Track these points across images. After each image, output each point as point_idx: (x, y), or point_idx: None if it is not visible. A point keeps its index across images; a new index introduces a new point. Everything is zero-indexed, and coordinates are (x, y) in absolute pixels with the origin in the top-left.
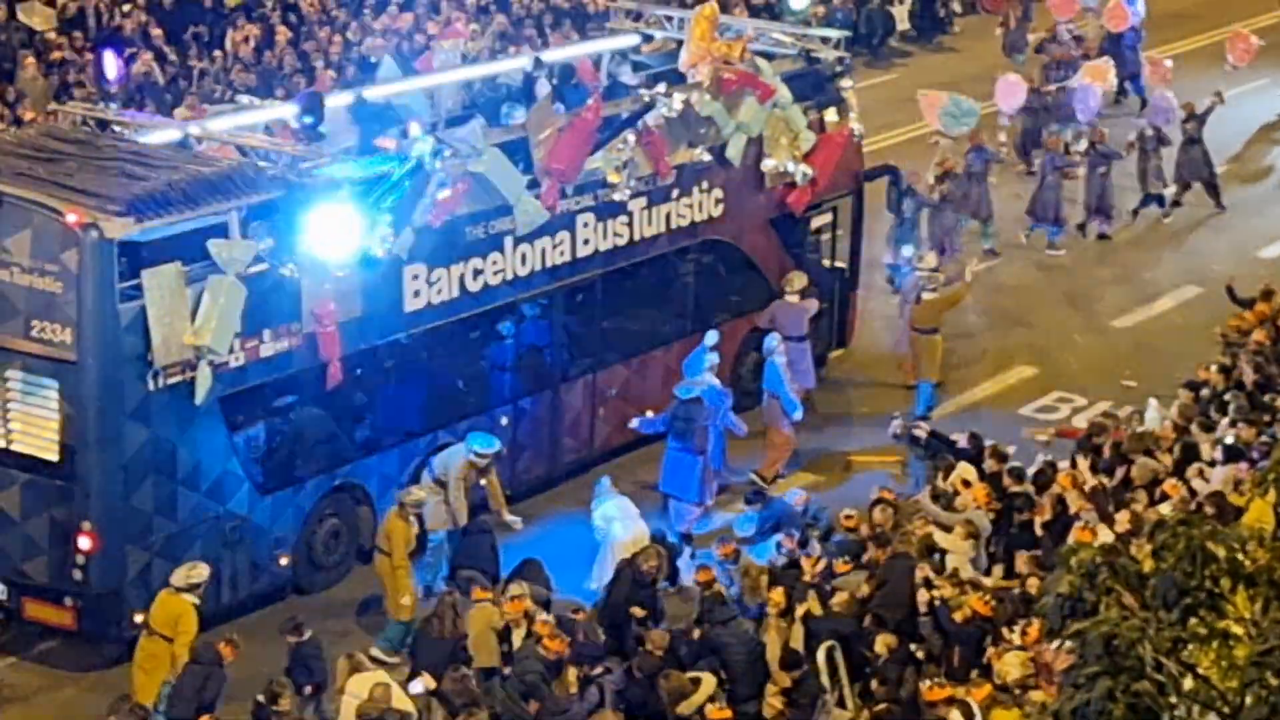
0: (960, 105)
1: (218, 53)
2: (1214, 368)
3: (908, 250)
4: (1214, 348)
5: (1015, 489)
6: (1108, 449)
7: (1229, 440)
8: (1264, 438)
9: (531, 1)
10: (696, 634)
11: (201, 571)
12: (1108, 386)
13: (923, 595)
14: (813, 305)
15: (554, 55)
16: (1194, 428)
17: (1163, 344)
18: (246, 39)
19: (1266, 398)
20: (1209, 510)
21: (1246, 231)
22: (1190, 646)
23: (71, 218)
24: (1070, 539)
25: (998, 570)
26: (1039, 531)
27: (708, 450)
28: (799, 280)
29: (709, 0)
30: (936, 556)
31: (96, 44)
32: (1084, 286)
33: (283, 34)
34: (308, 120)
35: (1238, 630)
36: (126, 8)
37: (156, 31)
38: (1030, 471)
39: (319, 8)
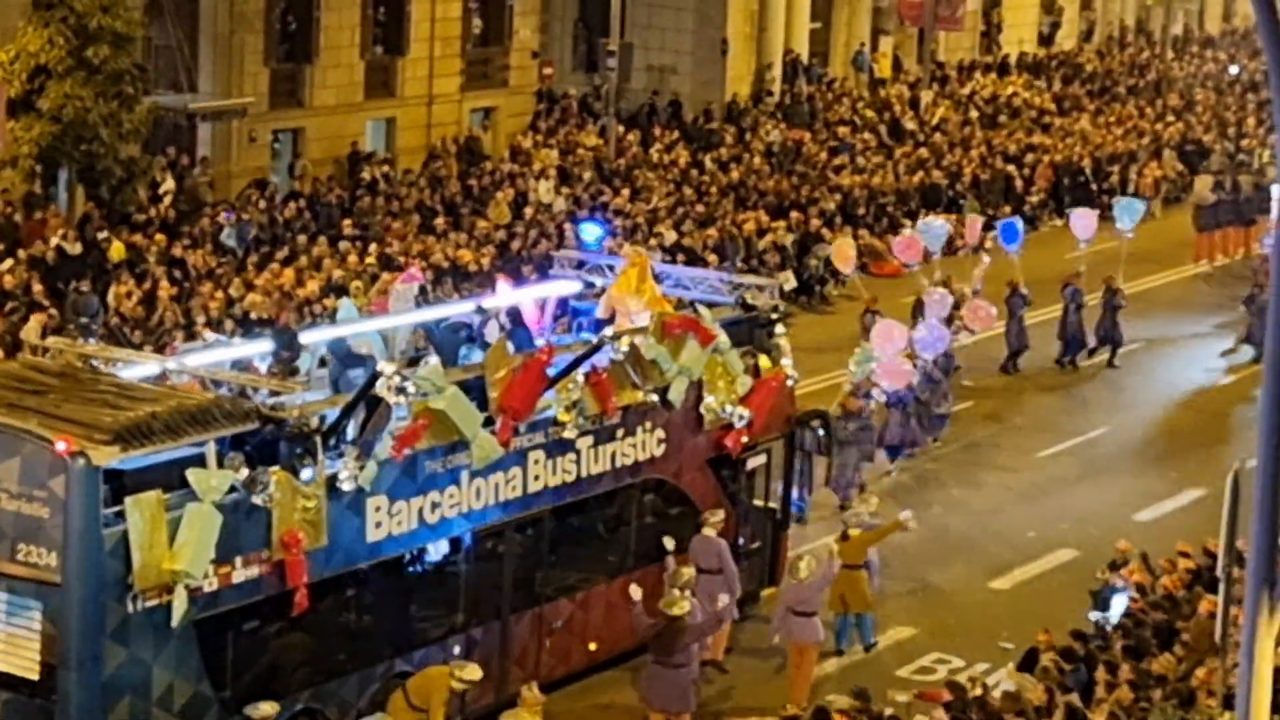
0: (865, 350)
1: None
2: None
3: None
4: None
5: None
6: (975, 712)
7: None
8: (1142, 704)
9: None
10: None
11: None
12: (985, 648)
13: None
14: (723, 543)
15: (498, 301)
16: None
17: (1039, 606)
18: (129, 294)
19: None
20: None
21: (1124, 492)
22: None
23: (61, 445)
24: None
25: None
26: None
27: (691, 664)
28: (715, 516)
29: (640, 250)
30: None
31: None
32: (961, 545)
33: (165, 290)
34: (285, 355)
35: None
36: (8, 263)
37: (38, 287)
38: None
39: (203, 264)
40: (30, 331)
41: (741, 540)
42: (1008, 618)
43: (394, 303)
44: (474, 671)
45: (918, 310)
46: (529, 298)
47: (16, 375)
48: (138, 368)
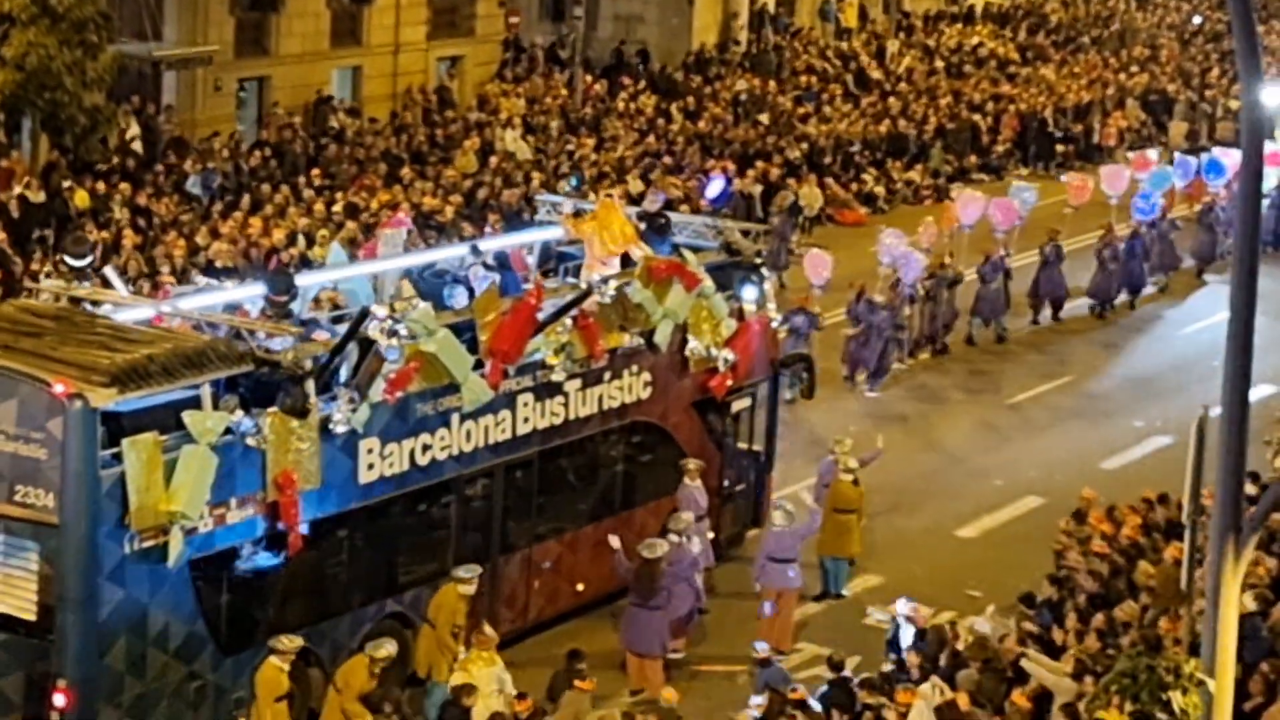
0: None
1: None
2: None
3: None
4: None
5: (868, 700)
6: (945, 657)
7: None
8: (1109, 650)
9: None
10: None
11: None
12: (953, 597)
13: None
14: (703, 492)
15: (488, 244)
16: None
17: (1006, 555)
18: (95, 244)
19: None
20: None
21: (1091, 442)
22: None
23: (59, 388)
24: None
25: None
26: None
27: (667, 606)
28: (694, 464)
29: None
30: None
31: None
32: (928, 494)
33: (130, 238)
34: (282, 299)
35: None
36: None
37: (1, 235)
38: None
39: (168, 213)
40: None
41: (726, 482)
42: (975, 566)
43: (383, 247)
44: (471, 571)
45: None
46: (516, 243)
47: (11, 318)
48: (130, 310)
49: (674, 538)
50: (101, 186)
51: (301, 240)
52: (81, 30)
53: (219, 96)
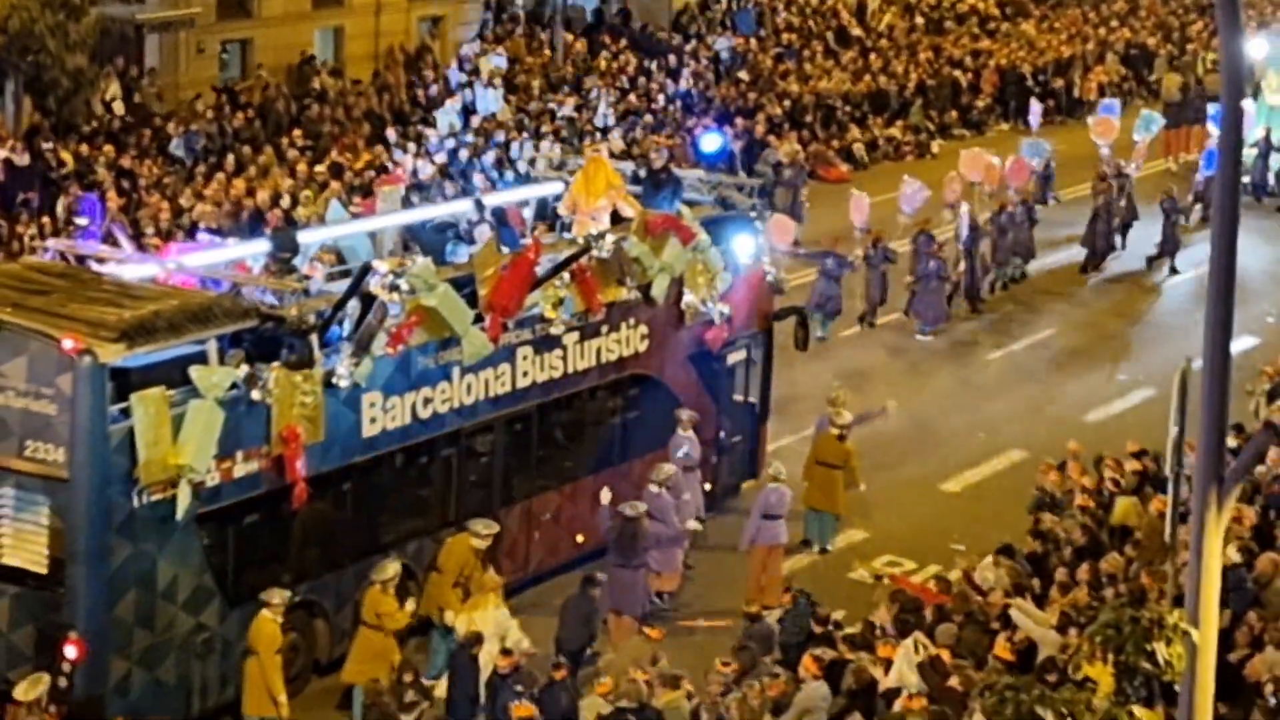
0: None
1: (46, 219)
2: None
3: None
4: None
5: (849, 655)
6: (930, 611)
7: (1068, 609)
8: (1093, 603)
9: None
10: None
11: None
12: (937, 551)
13: None
14: (695, 443)
15: (489, 200)
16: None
17: (990, 508)
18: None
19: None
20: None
21: (1074, 395)
22: None
23: (68, 344)
24: (896, 706)
25: None
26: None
27: (647, 564)
28: (687, 415)
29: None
30: None
31: None
32: (912, 448)
33: (114, 200)
34: (285, 256)
35: None
36: None
37: None
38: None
39: (152, 176)
40: None
41: (723, 434)
42: (959, 520)
43: (381, 204)
44: (489, 526)
45: None
46: (513, 199)
47: (19, 276)
48: (135, 267)
49: (653, 488)
50: (85, 149)
51: (286, 200)
52: None
53: (202, 59)
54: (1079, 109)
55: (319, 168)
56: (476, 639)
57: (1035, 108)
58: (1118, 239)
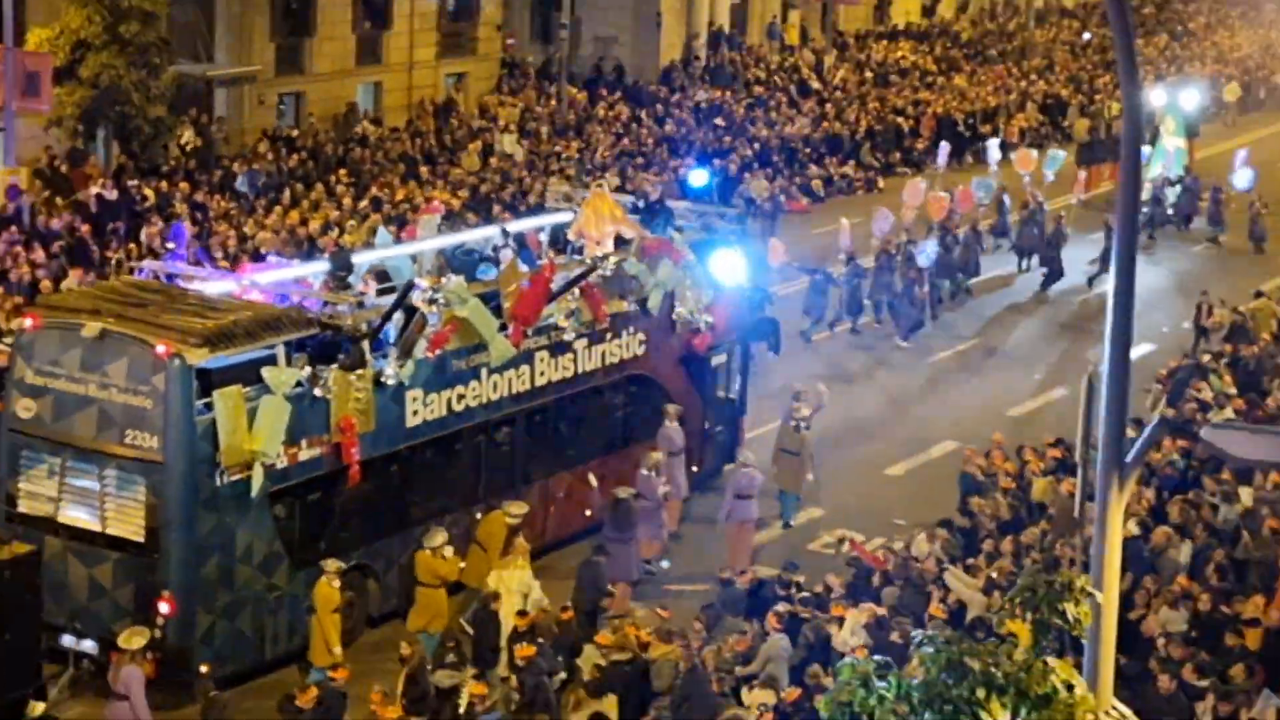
0: None
1: (132, 245)
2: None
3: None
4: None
5: (805, 614)
6: (877, 577)
7: (992, 575)
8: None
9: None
10: None
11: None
12: (882, 526)
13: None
14: (680, 432)
15: (513, 227)
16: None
17: (926, 490)
18: (159, 233)
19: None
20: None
21: (998, 393)
22: None
23: (161, 348)
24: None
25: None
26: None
27: (636, 537)
28: (673, 409)
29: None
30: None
31: (30, 239)
32: (862, 438)
33: (189, 229)
34: (341, 274)
35: None
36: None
37: (85, 227)
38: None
39: (220, 208)
40: (69, 284)
41: (708, 426)
42: (900, 500)
43: (420, 231)
44: (521, 507)
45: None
46: (531, 226)
47: (121, 291)
48: (215, 284)
49: (644, 472)
50: (164, 185)
51: (335, 230)
52: (146, 53)
53: (262, 109)
54: (1003, 150)
55: (362, 202)
56: (494, 596)
57: (944, 148)
58: (1024, 261)
